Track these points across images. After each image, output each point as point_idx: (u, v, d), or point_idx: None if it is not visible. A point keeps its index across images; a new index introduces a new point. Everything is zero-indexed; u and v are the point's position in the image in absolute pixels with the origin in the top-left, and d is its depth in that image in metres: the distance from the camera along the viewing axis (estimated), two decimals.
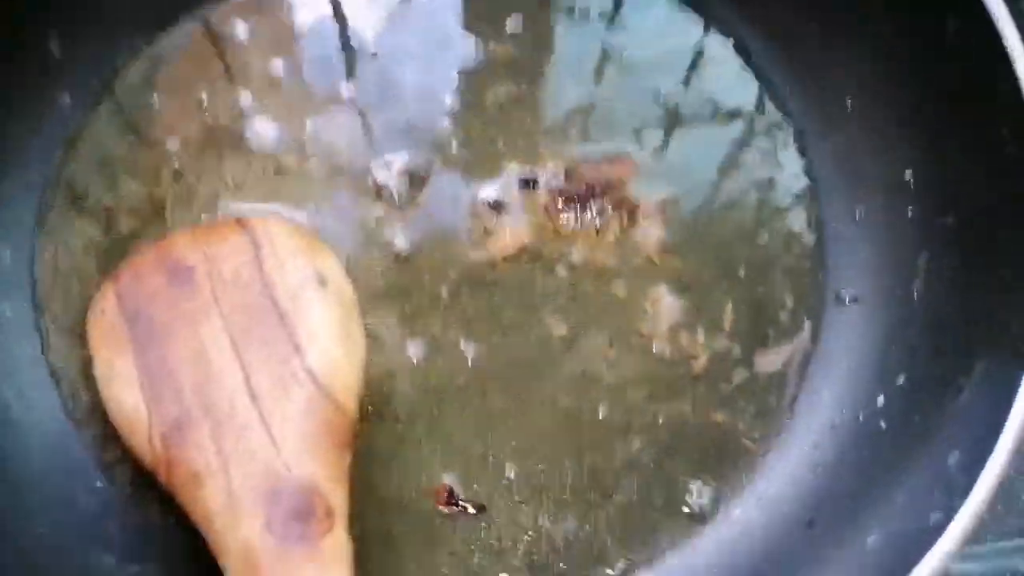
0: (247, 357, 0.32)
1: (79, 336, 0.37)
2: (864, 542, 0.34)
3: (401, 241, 0.41)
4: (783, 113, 0.44)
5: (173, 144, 0.41)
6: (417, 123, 0.42)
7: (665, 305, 0.41)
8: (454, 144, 0.42)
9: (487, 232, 0.41)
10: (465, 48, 0.43)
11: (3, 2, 0.38)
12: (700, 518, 0.39)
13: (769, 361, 0.41)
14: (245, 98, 0.42)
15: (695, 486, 0.39)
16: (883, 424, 0.37)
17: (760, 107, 0.44)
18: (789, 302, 0.42)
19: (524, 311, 0.41)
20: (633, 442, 0.39)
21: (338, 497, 0.31)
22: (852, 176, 0.43)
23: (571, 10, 0.44)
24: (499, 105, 0.43)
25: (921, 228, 0.39)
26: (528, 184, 0.42)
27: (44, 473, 0.35)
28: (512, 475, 0.39)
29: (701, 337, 0.41)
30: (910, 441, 0.35)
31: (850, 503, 0.36)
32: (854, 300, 0.42)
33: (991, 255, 0.36)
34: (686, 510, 0.39)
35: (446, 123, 0.42)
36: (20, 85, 0.40)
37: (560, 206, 0.42)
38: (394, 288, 0.40)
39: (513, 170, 0.42)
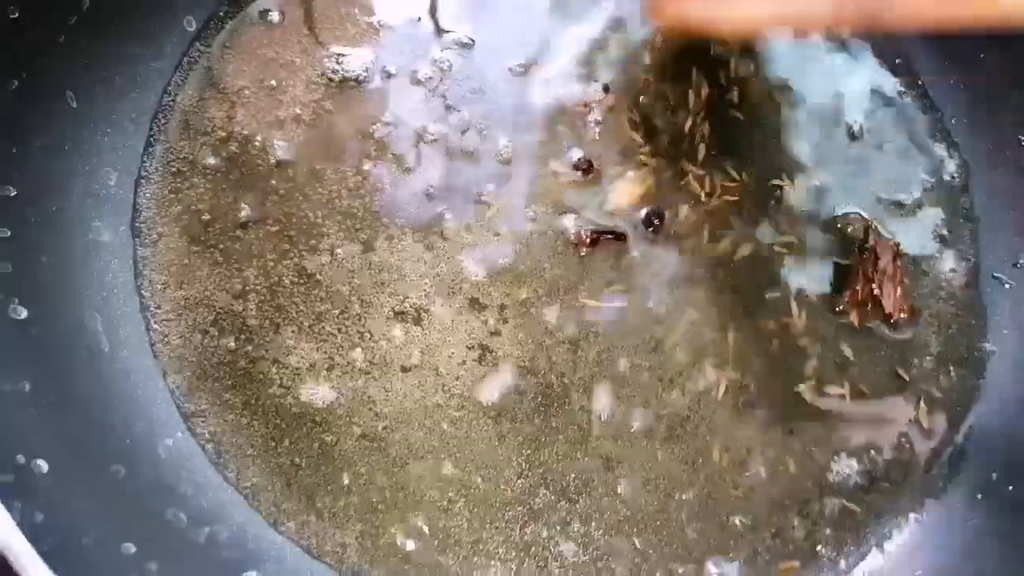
0: None
1: (175, 275, 0.35)
2: None
3: None
4: (947, 143, 0.40)
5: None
6: None
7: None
8: None
9: None
10: None
11: None
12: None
13: (904, 412, 0.37)
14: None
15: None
16: None
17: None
18: (935, 349, 0.38)
19: None
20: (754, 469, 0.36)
21: None
22: (1018, 216, 0.39)
23: None
24: None
25: None
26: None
27: (129, 416, 0.33)
28: None
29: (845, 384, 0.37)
30: None
31: None
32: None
33: None
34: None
35: None
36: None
37: None
38: None
39: None
